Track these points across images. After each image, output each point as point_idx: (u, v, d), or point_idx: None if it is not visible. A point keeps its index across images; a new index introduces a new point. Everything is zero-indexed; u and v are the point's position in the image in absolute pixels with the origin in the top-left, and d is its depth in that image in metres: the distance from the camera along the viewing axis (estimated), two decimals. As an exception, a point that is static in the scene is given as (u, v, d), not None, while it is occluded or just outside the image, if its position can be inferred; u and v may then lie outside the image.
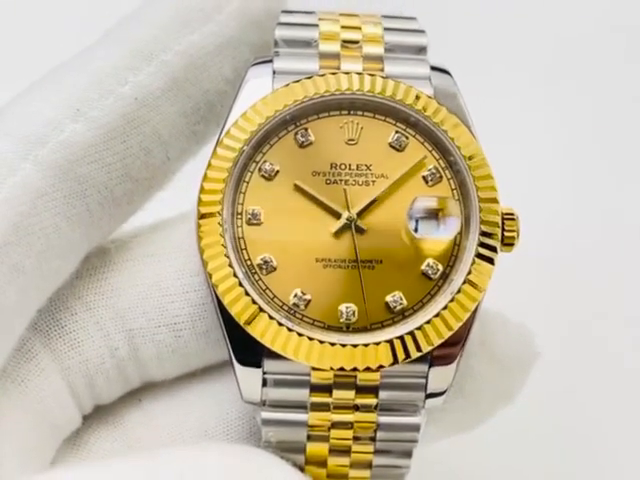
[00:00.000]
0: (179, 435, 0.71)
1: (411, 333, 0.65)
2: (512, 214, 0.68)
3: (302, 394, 0.67)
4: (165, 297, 0.70)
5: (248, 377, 0.67)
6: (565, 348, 0.92)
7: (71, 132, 0.66)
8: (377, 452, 0.68)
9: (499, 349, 0.72)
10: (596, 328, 0.95)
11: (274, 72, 0.69)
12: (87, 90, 0.67)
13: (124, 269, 0.71)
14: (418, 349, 0.65)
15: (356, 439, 0.68)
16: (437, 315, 0.65)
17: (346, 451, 0.68)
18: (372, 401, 0.67)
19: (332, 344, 0.64)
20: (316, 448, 0.68)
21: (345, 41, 0.71)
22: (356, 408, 0.67)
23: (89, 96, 0.67)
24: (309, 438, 0.68)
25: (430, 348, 0.65)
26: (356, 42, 0.71)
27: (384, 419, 0.67)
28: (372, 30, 0.71)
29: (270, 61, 0.70)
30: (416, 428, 0.68)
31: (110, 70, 0.68)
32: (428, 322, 0.65)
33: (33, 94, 0.68)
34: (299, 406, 0.67)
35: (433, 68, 0.70)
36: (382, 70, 0.69)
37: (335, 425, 0.67)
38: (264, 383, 0.67)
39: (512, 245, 0.68)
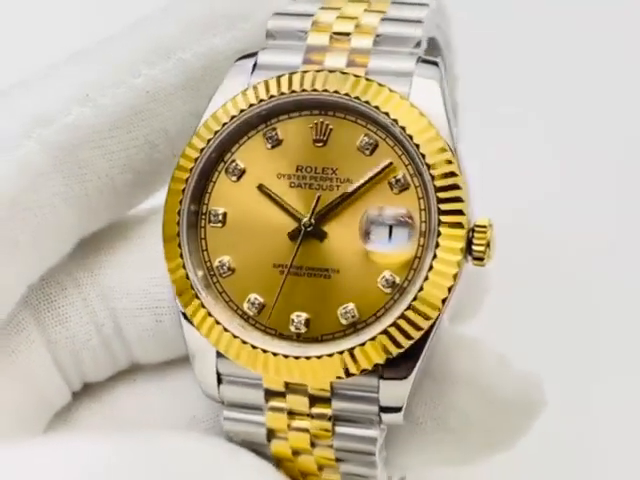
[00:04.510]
0: (169, 417, 0.72)
1: (362, 346, 0.63)
2: (483, 226, 0.63)
3: (257, 396, 0.66)
4: (149, 280, 0.71)
5: (204, 372, 0.67)
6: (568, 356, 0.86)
7: (77, 115, 0.67)
8: (338, 460, 0.67)
9: (492, 391, 0.68)
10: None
11: (255, 66, 0.67)
12: (99, 77, 0.69)
13: (115, 248, 0.72)
14: (368, 363, 0.63)
15: (314, 445, 0.67)
16: (384, 332, 0.62)
17: (309, 454, 0.68)
18: (326, 411, 0.66)
19: (285, 356, 0.64)
20: (279, 447, 0.68)
21: (335, 33, 0.68)
22: (312, 416, 0.66)
23: (101, 83, 0.68)
24: (269, 439, 0.68)
25: (379, 362, 0.63)
26: (347, 34, 0.68)
27: (340, 429, 0.66)
28: (367, 21, 0.68)
29: (255, 54, 0.68)
30: (372, 441, 0.66)
31: (126, 60, 0.69)
32: (375, 338, 0.63)
33: (46, 75, 0.70)
34: (256, 408, 0.67)
35: (423, 61, 0.66)
36: (366, 65, 0.66)
37: (292, 429, 0.67)
38: (220, 381, 0.67)
39: (482, 259, 0.64)
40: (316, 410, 0.66)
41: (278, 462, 0.69)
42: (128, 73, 0.69)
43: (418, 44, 0.67)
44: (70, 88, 0.68)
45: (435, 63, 0.66)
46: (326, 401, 0.65)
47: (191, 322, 0.66)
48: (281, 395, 0.66)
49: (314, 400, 0.66)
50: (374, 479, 0.68)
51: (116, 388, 0.74)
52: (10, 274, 0.67)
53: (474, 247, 0.63)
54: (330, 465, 0.68)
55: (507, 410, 0.68)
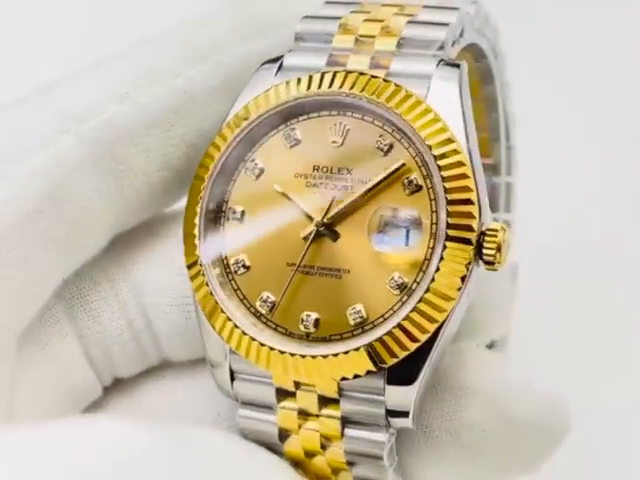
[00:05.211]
0: (195, 414, 0.73)
1: (368, 347, 0.62)
2: (495, 230, 0.62)
3: (269, 395, 0.67)
4: (179, 277, 0.71)
5: (218, 367, 0.68)
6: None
7: (115, 113, 0.69)
8: (349, 463, 0.67)
9: (513, 411, 0.66)
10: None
11: (280, 68, 0.68)
12: (139, 76, 0.70)
13: (148, 245, 0.73)
14: (373, 365, 0.62)
15: (324, 447, 0.67)
16: (389, 334, 0.62)
17: (321, 456, 0.68)
18: (335, 412, 0.65)
19: (292, 354, 0.64)
20: (292, 448, 0.68)
21: (361, 36, 0.68)
22: (321, 417, 0.66)
23: (139, 82, 0.70)
24: (281, 439, 0.68)
25: (384, 364, 0.62)
26: (372, 37, 0.68)
27: (349, 432, 0.66)
28: (393, 23, 0.68)
29: (282, 57, 0.69)
30: (380, 445, 0.65)
31: (165, 61, 0.71)
32: (380, 339, 0.62)
33: (85, 74, 0.71)
34: (268, 407, 0.67)
35: (446, 63, 0.65)
36: (388, 67, 0.66)
37: (303, 429, 0.67)
38: (233, 377, 0.67)
39: (493, 263, 0.62)
40: (325, 411, 0.66)
41: (295, 463, 0.69)
42: (167, 73, 0.70)
43: (441, 47, 0.66)
44: (109, 86, 0.70)
45: (457, 65, 0.65)
46: (335, 402, 0.65)
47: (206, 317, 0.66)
48: (292, 395, 0.66)
49: (323, 401, 0.65)
50: (388, 485, 0.68)
51: (146, 384, 0.75)
52: (46, 267, 0.69)
53: (484, 251, 0.62)
54: (343, 468, 0.67)
55: (528, 432, 0.66)
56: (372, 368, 0.62)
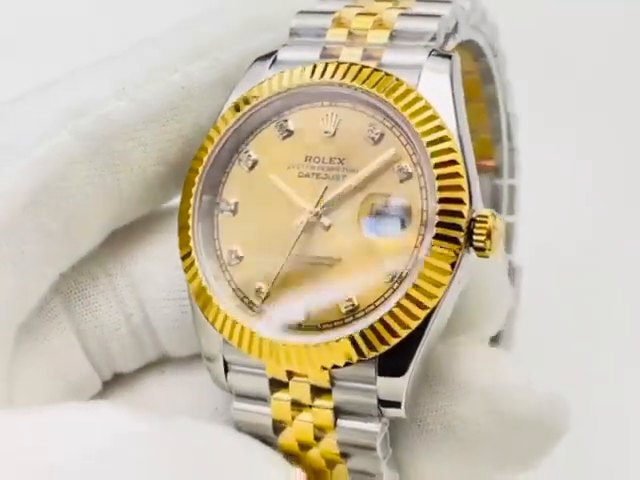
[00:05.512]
0: (193, 409, 0.73)
1: (359, 335, 0.62)
2: (485, 216, 0.62)
3: (262, 386, 0.67)
4: (176, 271, 0.71)
5: (212, 359, 0.68)
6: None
7: (113, 108, 0.69)
8: (342, 455, 0.66)
9: (510, 408, 0.65)
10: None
11: (274, 62, 0.69)
12: (136, 72, 0.71)
13: (146, 240, 0.74)
14: (365, 352, 0.62)
15: (318, 439, 0.66)
16: (381, 321, 0.62)
17: (316, 448, 0.67)
18: (328, 403, 0.65)
19: (284, 343, 0.64)
20: (286, 440, 0.68)
21: (354, 29, 0.68)
22: (314, 408, 0.66)
23: (137, 78, 0.71)
24: (276, 431, 0.67)
25: (375, 352, 0.62)
26: (364, 30, 0.68)
27: (341, 422, 0.65)
28: (386, 16, 0.68)
29: (275, 52, 0.69)
30: (372, 435, 0.65)
31: (163, 57, 0.72)
32: (372, 327, 0.62)
33: (83, 71, 0.72)
34: (262, 398, 0.67)
35: (438, 54, 0.66)
36: (380, 58, 0.66)
37: (297, 420, 0.66)
38: (227, 369, 0.67)
39: (483, 249, 0.62)
40: (318, 402, 0.65)
41: (289, 456, 0.69)
42: (165, 69, 0.71)
43: (433, 38, 0.67)
44: (106, 83, 0.70)
45: (449, 57, 0.66)
46: (327, 392, 0.65)
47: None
48: (285, 385, 0.66)
49: (316, 391, 0.65)
50: (380, 477, 0.67)
51: (146, 379, 0.76)
52: (42, 261, 0.69)
53: (475, 237, 0.62)
54: (338, 461, 0.67)
55: (523, 429, 0.66)
56: (363, 356, 0.62)
